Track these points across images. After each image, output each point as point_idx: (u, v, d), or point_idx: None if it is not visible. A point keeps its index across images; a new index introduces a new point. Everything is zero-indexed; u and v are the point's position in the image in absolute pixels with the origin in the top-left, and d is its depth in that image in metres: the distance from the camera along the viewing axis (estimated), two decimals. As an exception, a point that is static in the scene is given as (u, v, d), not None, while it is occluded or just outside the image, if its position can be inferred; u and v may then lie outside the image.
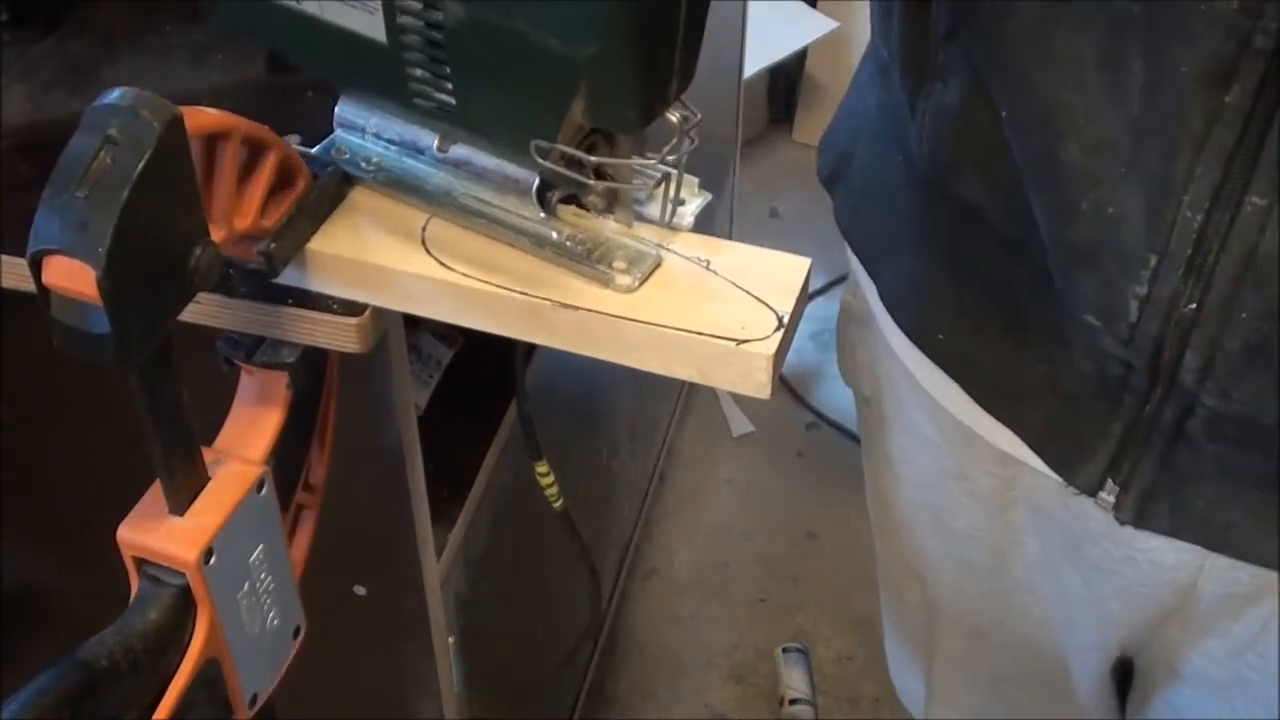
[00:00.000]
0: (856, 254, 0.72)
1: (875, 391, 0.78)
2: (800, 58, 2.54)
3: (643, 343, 0.54)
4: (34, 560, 0.97)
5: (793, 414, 2.07)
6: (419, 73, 0.52)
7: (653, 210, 0.57)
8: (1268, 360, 0.50)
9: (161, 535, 0.52)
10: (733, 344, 0.53)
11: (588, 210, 0.57)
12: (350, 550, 0.80)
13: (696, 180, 0.57)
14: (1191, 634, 0.67)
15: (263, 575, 0.57)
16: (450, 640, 0.93)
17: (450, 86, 0.52)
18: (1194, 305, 0.50)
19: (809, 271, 0.57)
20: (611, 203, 0.57)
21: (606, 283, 0.54)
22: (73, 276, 0.44)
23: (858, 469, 0.88)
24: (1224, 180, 0.47)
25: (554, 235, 0.56)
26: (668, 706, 1.68)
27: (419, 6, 0.49)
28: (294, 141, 0.58)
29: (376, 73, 0.54)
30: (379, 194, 0.60)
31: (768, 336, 0.53)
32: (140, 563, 0.53)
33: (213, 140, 0.50)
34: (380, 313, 0.61)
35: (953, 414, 0.68)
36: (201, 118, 0.48)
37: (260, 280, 0.57)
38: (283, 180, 0.55)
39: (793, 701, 1.66)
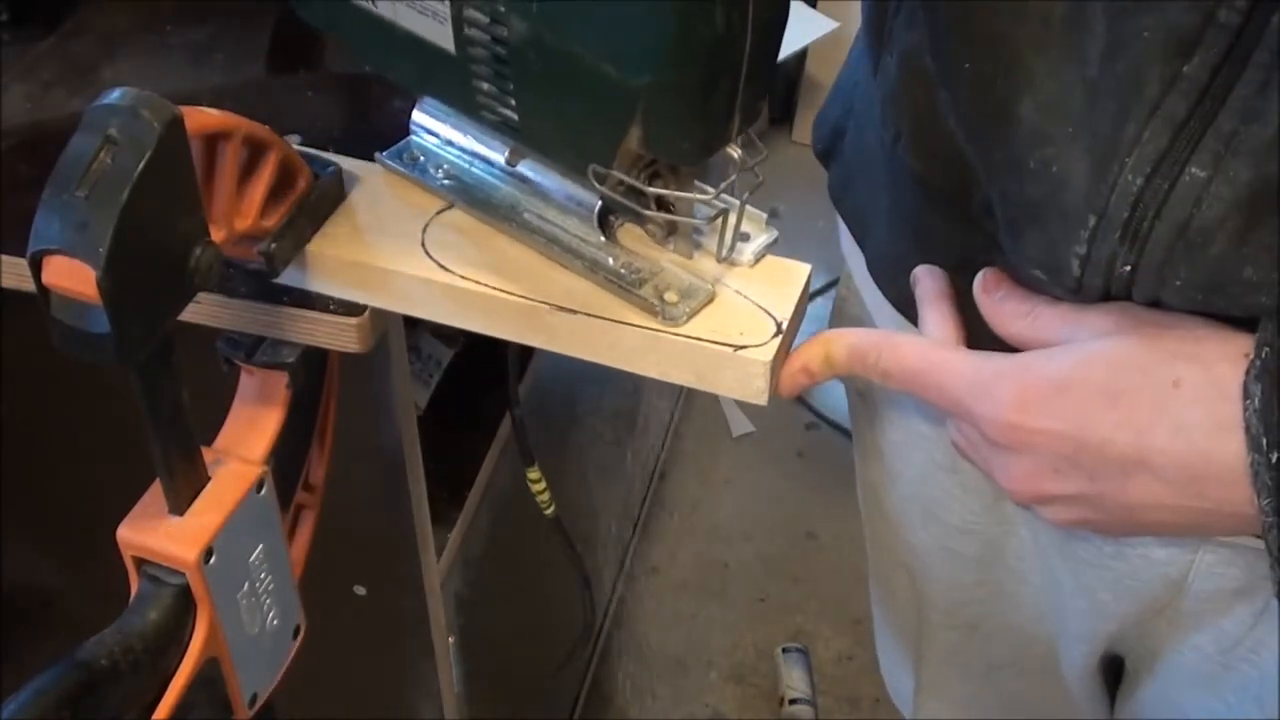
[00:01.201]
0: (847, 225, 0.73)
1: (867, 385, 0.78)
2: (800, 58, 2.54)
3: (640, 347, 0.54)
4: (34, 560, 0.97)
5: (793, 414, 2.07)
6: (485, 86, 0.52)
7: (715, 242, 0.56)
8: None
9: (161, 535, 0.52)
10: (730, 350, 0.53)
11: (650, 236, 0.57)
12: (350, 550, 0.80)
13: (764, 215, 0.57)
14: (1181, 629, 0.67)
15: (262, 575, 0.57)
16: (450, 640, 0.93)
17: (513, 102, 0.51)
18: (1128, 268, 0.50)
19: (809, 277, 0.57)
20: (672, 232, 0.56)
21: (655, 314, 0.54)
22: (73, 276, 0.44)
23: (857, 469, 0.88)
24: (1169, 149, 0.47)
25: (609, 261, 0.56)
26: (668, 706, 1.68)
27: (485, 20, 0.48)
28: (294, 141, 0.58)
29: (445, 82, 0.54)
30: (378, 196, 0.60)
31: (765, 343, 0.53)
32: (140, 563, 0.53)
33: (213, 140, 0.50)
34: (380, 313, 0.61)
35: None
36: (202, 118, 0.48)
37: (260, 280, 0.57)
38: (283, 181, 0.55)
39: (793, 701, 1.66)
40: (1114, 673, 0.78)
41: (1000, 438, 0.52)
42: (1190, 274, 0.49)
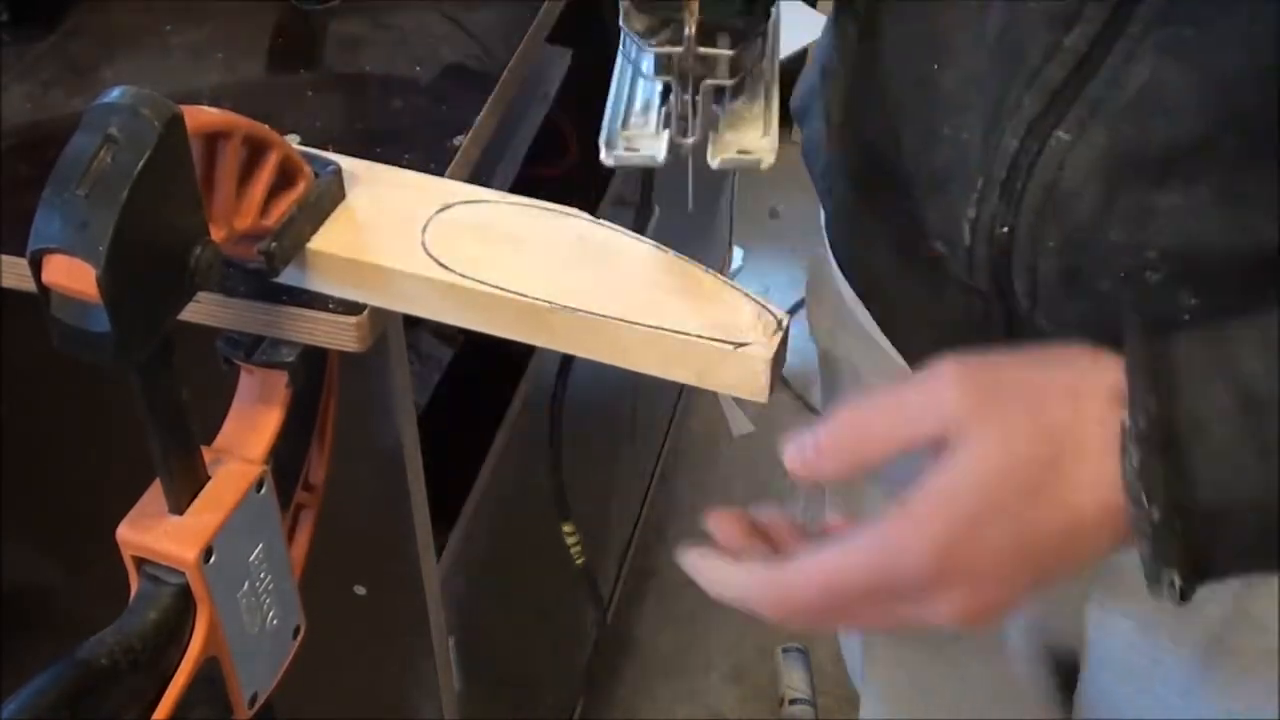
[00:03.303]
0: (814, 184, 0.75)
1: (832, 343, 0.80)
2: (800, 58, 2.54)
3: (640, 345, 0.54)
4: (34, 560, 0.97)
5: (793, 414, 2.07)
6: None
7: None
8: (1084, 289, 0.52)
9: (161, 534, 0.52)
10: (731, 347, 0.53)
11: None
12: (350, 550, 0.81)
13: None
14: (1110, 614, 0.69)
15: (262, 575, 0.57)
16: (450, 640, 0.93)
17: None
18: (1006, 229, 0.53)
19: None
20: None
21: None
22: (73, 275, 0.44)
23: (858, 469, 0.88)
24: (1042, 113, 0.51)
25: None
26: (668, 706, 1.68)
27: None
28: (294, 141, 0.58)
29: None
30: (378, 195, 0.60)
31: (767, 340, 0.53)
32: (140, 562, 0.53)
33: (213, 139, 0.50)
34: (380, 312, 0.61)
35: (897, 362, 0.69)
36: (202, 116, 0.48)
37: (260, 279, 0.57)
38: (283, 180, 0.55)
39: (793, 701, 1.66)
40: (1070, 676, 0.78)
41: (935, 581, 0.48)
42: (1060, 236, 0.52)
